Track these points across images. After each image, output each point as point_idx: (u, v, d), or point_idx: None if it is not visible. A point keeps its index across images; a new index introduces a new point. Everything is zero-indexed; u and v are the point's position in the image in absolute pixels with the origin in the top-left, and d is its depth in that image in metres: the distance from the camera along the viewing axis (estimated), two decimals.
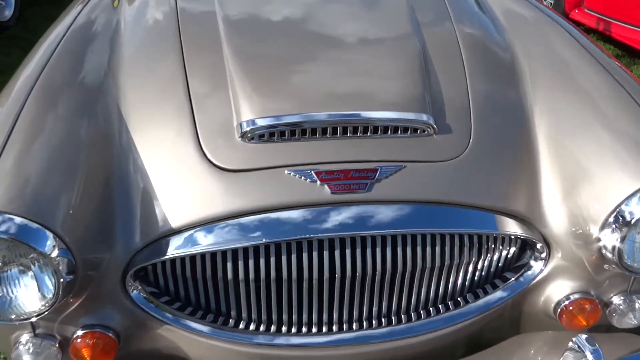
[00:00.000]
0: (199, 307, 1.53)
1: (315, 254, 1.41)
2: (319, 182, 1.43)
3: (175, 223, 1.43)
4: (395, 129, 1.52)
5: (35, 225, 1.26)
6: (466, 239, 1.49)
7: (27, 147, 1.41)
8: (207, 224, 1.43)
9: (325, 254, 1.41)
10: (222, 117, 1.54)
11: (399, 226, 1.43)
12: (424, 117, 1.53)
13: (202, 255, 1.43)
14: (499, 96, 1.73)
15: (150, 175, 1.48)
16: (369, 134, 1.51)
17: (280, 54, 1.75)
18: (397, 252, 1.44)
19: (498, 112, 1.68)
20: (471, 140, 1.57)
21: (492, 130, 1.62)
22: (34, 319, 1.32)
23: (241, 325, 1.50)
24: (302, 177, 1.44)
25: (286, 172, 1.45)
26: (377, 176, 1.45)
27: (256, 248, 1.41)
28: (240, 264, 1.42)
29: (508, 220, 1.52)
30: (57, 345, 1.42)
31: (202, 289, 1.50)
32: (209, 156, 1.48)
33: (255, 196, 1.43)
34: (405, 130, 1.53)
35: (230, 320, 1.52)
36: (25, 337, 1.40)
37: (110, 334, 1.44)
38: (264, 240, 1.39)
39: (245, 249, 1.41)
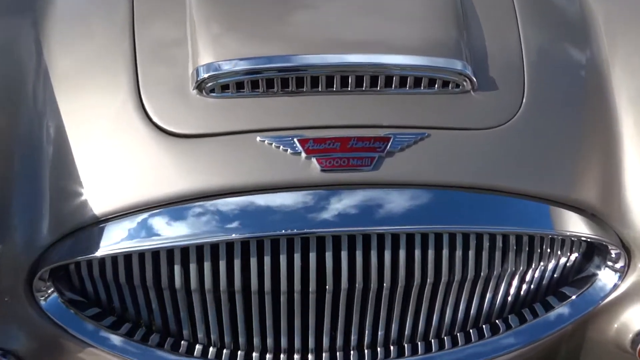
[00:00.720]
0: (139, 325, 1.12)
1: (297, 257, 0.99)
2: (303, 155, 0.99)
3: (100, 208, 1.01)
4: (417, 81, 1.07)
5: None
6: (511, 240, 1.05)
7: None
8: (145, 209, 1.00)
9: (312, 256, 0.99)
10: (173, 63, 1.10)
11: (417, 221, 0.99)
12: (459, 65, 1.07)
13: (141, 255, 1.01)
14: (562, 50, 1.25)
15: (72, 144, 1.05)
16: (378, 87, 1.06)
17: None
18: (413, 257, 1.01)
19: (560, 70, 1.21)
20: (524, 101, 1.11)
21: (553, 91, 1.16)
22: None
23: (196, 352, 1.09)
24: (281, 147, 1.00)
25: (258, 139, 1.01)
26: (388, 147, 1.00)
27: (214, 246, 0.99)
28: (193, 267, 1.00)
29: (571, 215, 1.07)
30: None
31: (144, 300, 1.08)
32: (151, 115, 1.05)
33: (213, 173, 1.00)
34: (432, 83, 1.07)
35: (182, 343, 1.10)
36: None
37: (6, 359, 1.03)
38: (220, 236, 0.97)
39: (200, 247, 0.99)
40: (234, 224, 0.98)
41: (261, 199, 0.99)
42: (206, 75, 1.02)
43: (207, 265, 1.01)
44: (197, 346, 1.10)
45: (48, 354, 1.08)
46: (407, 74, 1.05)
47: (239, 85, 1.04)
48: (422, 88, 1.07)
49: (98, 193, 1.02)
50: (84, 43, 1.17)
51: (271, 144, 1.00)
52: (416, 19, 1.17)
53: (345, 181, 0.99)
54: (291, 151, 1.00)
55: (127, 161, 1.03)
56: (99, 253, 1.00)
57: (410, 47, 1.09)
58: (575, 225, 1.07)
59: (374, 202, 0.99)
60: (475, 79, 1.08)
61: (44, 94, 1.10)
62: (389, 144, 1.01)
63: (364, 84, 1.05)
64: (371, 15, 1.19)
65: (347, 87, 1.05)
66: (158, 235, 1.00)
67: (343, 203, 0.98)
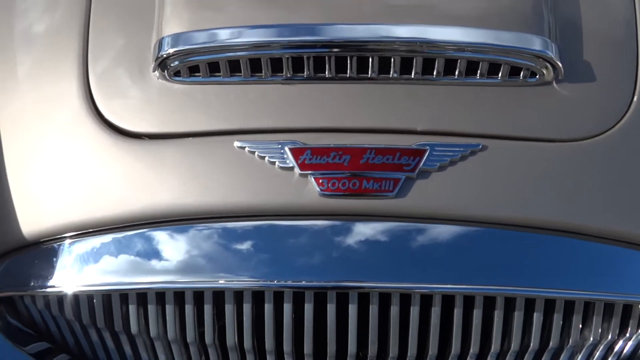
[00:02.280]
0: None
1: (287, 308, 0.70)
2: (297, 171, 0.69)
3: (33, 228, 0.76)
4: (471, 67, 0.73)
5: None
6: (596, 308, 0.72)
7: None
8: (84, 234, 0.75)
9: (308, 309, 0.70)
10: (133, 36, 0.80)
11: (460, 278, 0.68)
12: (538, 43, 0.72)
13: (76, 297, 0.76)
14: None
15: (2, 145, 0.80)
16: (413, 74, 0.73)
17: None
18: (451, 319, 0.69)
19: None
20: (634, 102, 0.75)
21: None
22: None
23: None
24: (266, 158, 0.70)
25: (237, 144, 0.71)
26: (421, 165, 0.68)
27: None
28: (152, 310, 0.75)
29: None
30: None
31: (97, 339, 0.84)
32: (99, 105, 0.77)
33: (171, 189, 0.72)
34: (494, 69, 0.73)
35: None
36: None
37: None
38: (178, 284, 0.70)
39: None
40: (196, 265, 0.70)
41: (235, 232, 0.70)
42: (170, 51, 0.73)
43: (168, 309, 0.74)
44: None
45: None
46: (457, 55, 0.71)
47: (212, 66, 0.74)
48: (478, 77, 0.73)
49: (31, 208, 0.77)
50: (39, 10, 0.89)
51: (253, 152, 0.70)
52: None
53: (354, 211, 0.68)
54: (280, 164, 0.69)
55: (66, 168, 0.76)
56: (34, 289, 0.76)
57: (461, 15, 0.74)
58: None
59: (395, 246, 0.68)
60: (561, 65, 0.72)
61: None
62: (423, 159, 0.68)
63: (392, 69, 0.72)
64: None
65: (367, 73, 0.73)
66: (107, 272, 0.74)
67: (346, 246, 0.67)
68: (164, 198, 0.72)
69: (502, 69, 0.72)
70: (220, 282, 0.69)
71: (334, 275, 0.67)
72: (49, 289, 0.76)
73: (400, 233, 0.68)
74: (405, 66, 0.72)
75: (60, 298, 0.78)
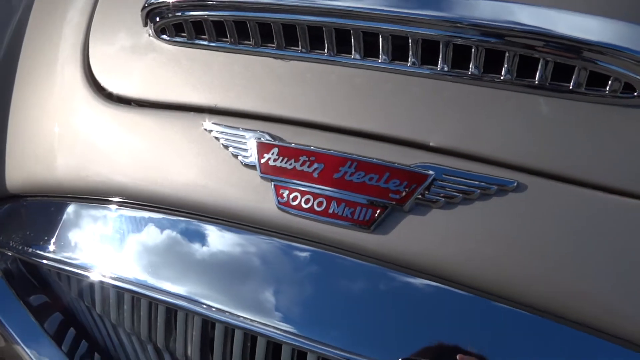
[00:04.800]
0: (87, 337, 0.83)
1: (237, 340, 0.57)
2: (258, 171, 0.53)
3: (12, 182, 0.72)
4: (528, 65, 0.49)
5: None
6: None
7: None
8: (59, 197, 0.68)
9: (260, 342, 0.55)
10: None
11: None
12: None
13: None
14: None
15: (14, 84, 0.76)
16: (441, 65, 0.51)
17: None
18: None
19: None
20: None
21: None
22: None
23: None
24: (230, 148, 0.55)
25: (205, 124, 0.57)
26: (417, 193, 0.48)
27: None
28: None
29: None
30: None
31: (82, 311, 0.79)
32: (93, 64, 0.68)
33: (143, 166, 0.61)
34: (564, 73, 0.48)
35: None
36: None
37: None
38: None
39: None
40: (146, 267, 0.59)
41: (184, 232, 0.57)
42: (155, 1, 0.60)
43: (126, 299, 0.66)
44: None
45: None
46: (505, 47, 0.48)
47: (200, 28, 0.60)
48: (537, 80, 0.49)
49: (22, 161, 0.73)
50: None
51: (218, 138, 0.56)
52: None
53: (314, 237, 0.51)
54: (242, 160, 0.54)
55: (56, 127, 0.70)
56: (18, 251, 0.73)
57: None
58: None
59: (356, 296, 0.49)
60: None
61: (12, 31, 0.82)
62: (423, 186, 0.48)
63: (410, 57, 0.52)
64: None
65: (377, 58, 0.53)
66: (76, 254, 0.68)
67: (293, 279, 0.50)
68: (127, 175, 0.62)
69: (576, 74, 0.47)
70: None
71: (274, 317, 0.51)
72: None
73: (366, 281, 0.49)
74: (429, 53, 0.51)
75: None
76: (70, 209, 0.68)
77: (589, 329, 0.43)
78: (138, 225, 0.62)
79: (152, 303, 0.63)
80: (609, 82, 0.46)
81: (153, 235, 0.61)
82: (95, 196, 0.63)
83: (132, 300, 0.66)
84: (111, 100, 0.66)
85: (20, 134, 0.74)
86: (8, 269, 0.84)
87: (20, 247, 0.73)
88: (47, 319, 0.83)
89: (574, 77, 0.47)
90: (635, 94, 0.46)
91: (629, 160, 0.46)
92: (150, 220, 0.62)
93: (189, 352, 0.64)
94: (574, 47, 0.45)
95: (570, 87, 0.47)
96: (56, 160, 0.70)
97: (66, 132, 0.71)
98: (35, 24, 0.80)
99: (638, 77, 0.45)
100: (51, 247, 0.70)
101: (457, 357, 0.45)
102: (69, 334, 0.83)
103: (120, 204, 0.64)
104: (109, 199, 0.63)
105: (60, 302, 0.84)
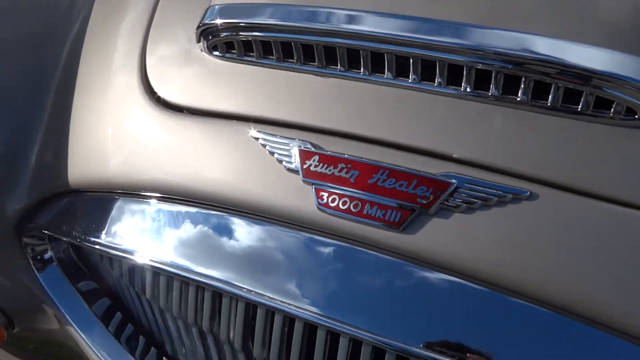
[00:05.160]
0: (132, 321, 0.91)
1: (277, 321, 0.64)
2: (301, 176, 0.61)
3: (75, 177, 0.80)
4: (541, 89, 0.56)
5: None
6: None
7: None
8: (118, 193, 0.77)
9: (298, 327, 0.63)
10: (196, 3, 0.77)
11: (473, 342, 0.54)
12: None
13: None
14: None
15: (75, 87, 0.84)
16: (464, 87, 0.58)
17: None
18: None
19: None
20: None
21: None
22: None
23: None
24: (276, 155, 0.63)
25: (252, 132, 0.65)
26: (441, 199, 0.55)
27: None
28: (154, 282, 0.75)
29: None
30: None
31: (129, 295, 0.87)
32: (150, 73, 0.76)
33: (194, 166, 0.69)
34: (573, 97, 0.55)
35: None
36: None
37: None
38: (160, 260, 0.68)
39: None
40: (196, 256, 0.67)
41: (235, 228, 0.65)
42: (210, 23, 0.68)
43: (175, 287, 0.74)
44: None
45: (38, 320, 0.96)
46: (520, 73, 0.55)
47: (247, 45, 0.68)
48: (550, 102, 0.55)
49: (82, 158, 0.81)
50: None
51: (265, 145, 0.64)
52: None
53: (350, 235, 0.58)
54: (287, 165, 0.62)
55: (112, 130, 0.78)
56: (76, 238, 0.81)
57: (548, 23, 0.56)
58: None
59: (390, 288, 0.56)
60: None
61: (71, 42, 0.89)
62: (447, 193, 0.55)
63: (437, 77, 0.58)
64: None
65: (407, 78, 0.60)
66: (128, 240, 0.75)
67: (334, 275, 0.58)
68: (179, 175, 0.70)
69: (583, 98, 0.53)
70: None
71: (311, 303, 0.58)
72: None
73: (397, 275, 0.56)
74: (455, 76, 0.57)
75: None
76: (125, 203, 0.76)
77: (587, 320, 0.50)
78: (186, 219, 0.70)
79: (199, 289, 0.70)
80: (613, 106, 0.53)
81: (200, 227, 0.69)
82: (146, 192, 0.71)
83: (180, 286, 0.74)
84: (164, 107, 0.74)
85: (79, 134, 0.82)
86: (61, 257, 0.92)
87: (79, 235, 0.81)
88: (95, 303, 0.92)
89: (582, 100, 0.53)
90: (636, 117, 0.52)
91: (629, 175, 0.52)
92: (198, 214, 0.69)
93: (231, 335, 0.71)
94: (582, 75, 0.52)
95: (579, 109, 0.54)
96: (111, 160, 0.78)
97: (120, 134, 0.78)
98: (93, 35, 0.88)
99: (639, 102, 0.51)
100: (105, 236, 0.78)
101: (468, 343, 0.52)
102: (115, 318, 0.92)
103: (171, 200, 0.72)
104: (160, 195, 0.71)
105: (108, 288, 0.92)
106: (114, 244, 0.76)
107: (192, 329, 0.77)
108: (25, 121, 0.84)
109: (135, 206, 0.73)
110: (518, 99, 0.56)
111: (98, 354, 0.89)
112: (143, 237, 0.72)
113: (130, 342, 0.90)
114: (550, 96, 0.55)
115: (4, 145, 0.84)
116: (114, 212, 0.78)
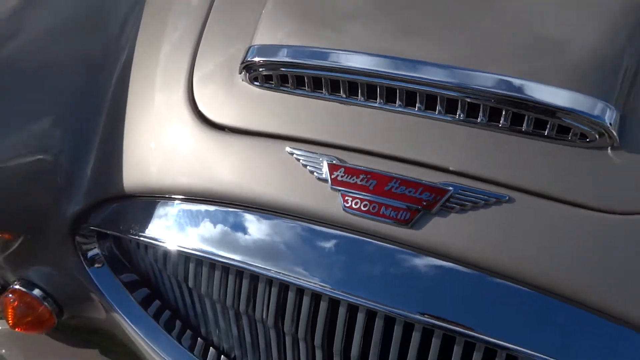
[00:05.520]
0: (169, 307, 1.06)
1: (306, 301, 0.80)
2: (329, 184, 0.76)
3: (128, 184, 0.94)
4: (516, 119, 0.73)
5: None
6: None
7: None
8: (167, 198, 0.91)
9: (323, 306, 0.79)
10: (233, 42, 0.93)
11: (460, 317, 0.70)
12: (597, 110, 0.69)
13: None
14: None
15: (127, 106, 0.99)
16: (458, 116, 0.75)
17: None
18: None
19: None
20: None
21: None
22: None
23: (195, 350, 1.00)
24: (308, 167, 0.79)
25: (288, 149, 0.81)
26: (441, 202, 0.71)
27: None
28: (197, 271, 0.90)
29: None
30: None
31: (169, 284, 1.02)
32: (197, 96, 0.92)
33: (235, 177, 0.85)
34: (540, 125, 0.72)
35: (199, 340, 1.02)
36: None
37: (46, 303, 1.07)
38: (217, 253, 0.83)
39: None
40: (243, 249, 0.82)
41: (275, 226, 0.81)
42: (251, 60, 0.84)
43: (216, 275, 0.89)
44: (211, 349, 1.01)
45: (85, 308, 1.10)
46: (502, 107, 0.72)
47: (283, 78, 0.84)
48: (523, 129, 0.72)
49: (133, 167, 0.95)
50: (166, 17, 1.06)
51: (299, 159, 0.79)
52: (566, 21, 0.78)
53: (370, 231, 0.74)
54: (317, 175, 0.78)
55: (161, 143, 0.93)
56: (130, 234, 0.95)
57: (524, 65, 0.73)
58: None
59: (399, 271, 0.72)
60: (615, 134, 0.69)
61: (129, 42, 1.05)
62: (445, 198, 0.71)
63: (437, 107, 0.75)
64: (497, 15, 0.81)
65: (413, 107, 0.76)
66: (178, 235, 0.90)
67: (355, 260, 0.74)
68: (224, 182, 0.85)
69: (549, 125, 0.70)
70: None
71: (341, 285, 0.74)
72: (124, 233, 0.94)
73: (405, 261, 0.72)
74: (450, 108, 0.74)
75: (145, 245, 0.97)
76: (171, 205, 0.91)
77: (547, 293, 0.66)
78: (230, 218, 0.85)
79: (238, 275, 0.85)
80: (571, 132, 0.70)
81: (242, 225, 0.84)
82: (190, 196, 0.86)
83: (220, 274, 0.88)
84: (208, 124, 0.90)
85: (129, 146, 0.97)
86: (107, 254, 1.07)
87: (130, 231, 0.95)
88: (135, 292, 1.06)
89: (548, 128, 0.71)
90: (588, 140, 0.70)
91: (582, 183, 0.69)
92: (235, 214, 0.84)
93: (264, 315, 0.86)
94: (548, 110, 0.69)
95: (546, 134, 0.71)
96: (161, 169, 0.92)
97: (167, 146, 0.93)
98: (140, 60, 1.02)
99: (589, 129, 0.69)
100: (154, 232, 0.92)
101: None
102: (154, 305, 1.06)
103: (214, 203, 0.87)
104: (203, 198, 0.86)
105: (147, 280, 1.07)
106: (161, 239, 0.90)
107: (230, 312, 0.92)
108: (82, 136, 0.99)
109: (187, 206, 0.88)
110: (500, 125, 0.72)
111: (141, 335, 1.03)
112: (195, 234, 0.87)
113: (168, 325, 1.04)
114: (524, 124, 0.71)
115: (64, 158, 0.98)
116: (162, 212, 0.92)
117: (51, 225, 1.00)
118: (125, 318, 1.05)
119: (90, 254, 1.05)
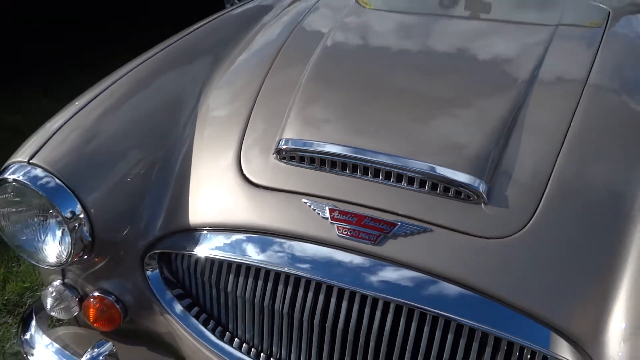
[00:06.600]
0: (205, 311, 1.54)
1: (301, 292, 1.32)
2: (329, 221, 1.32)
3: (193, 220, 1.46)
4: (434, 186, 1.32)
5: (68, 191, 1.39)
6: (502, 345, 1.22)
7: (106, 112, 1.59)
8: (221, 230, 1.43)
9: (314, 297, 1.31)
10: (270, 130, 1.53)
11: (401, 294, 1.24)
12: (474, 183, 1.30)
13: (212, 261, 1.43)
14: (599, 179, 1.38)
15: (191, 171, 1.53)
16: (403, 183, 1.34)
17: (355, 88, 1.67)
18: (399, 324, 1.25)
19: (586, 198, 1.35)
20: (533, 219, 1.28)
21: (569, 216, 1.30)
22: (56, 267, 1.47)
23: (233, 344, 1.47)
24: (316, 210, 1.34)
25: (303, 200, 1.36)
26: (393, 231, 1.28)
27: (257, 268, 1.37)
28: (236, 279, 1.40)
29: (563, 343, 1.20)
30: (77, 298, 1.56)
31: (209, 293, 1.50)
32: (243, 166, 1.48)
33: (269, 216, 1.38)
34: (446, 190, 1.32)
35: (227, 333, 1.50)
36: (56, 282, 1.57)
37: (118, 306, 1.53)
38: (251, 260, 1.35)
39: (248, 267, 1.38)
40: (263, 255, 1.34)
41: (297, 246, 1.34)
42: (282, 147, 1.42)
43: (249, 281, 1.39)
44: (244, 345, 1.48)
45: (142, 310, 1.56)
46: (427, 178, 1.32)
47: (302, 158, 1.42)
48: (437, 191, 1.32)
49: (195, 210, 1.47)
50: (223, 104, 1.66)
51: (310, 206, 1.35)
52: (458, 134, 1.44)
53: (353, 247, 1.29)
54: (322, 215, 1.33)
55: (220, 193, 1.47)
56: (191, 251, 1.45)
57: (438, 156, 1.35)
58: (562, 350, 1.19)
59: (368, 269, 1.27)
60: (485, 196, 1.29)
61: (190, 129, 1.61)
62: (395, 228, 1.28)
63: (391, 178, 1.35)
64: (421, 124, 1.51)
65: (378, 177, 1.35)
66: (214, 249, 1.42)
67: (347, 264, 1.28)
68: (264, 220, 1.38)
69: (451, 190, 1.31)
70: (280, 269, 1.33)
71: (340, 277, 1.27)
72: (188, 252, 1.45)
73: (371, 263, 1.27)
74: (399, 178, 1.34)
75: (195, 259, 1.46)
76: (221, 234, 1.42)
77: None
78: (259, 240, 1.37)
79: (271, 280, 1.36)
80: (462, 194, 1.30)
81: (267, 243, 1.36)
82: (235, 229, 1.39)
83: (254, 278, 1.39)
84: (249, 183, 1.44)
85: (191, 196, 1.49)
86: (163, 273, 1.55)
87: (188, 251, 1.45)
88: (181, 301, 1.54)
89: (450, 190, 1.31)
90: (470, 198, 1.30)
91: (467, 220, 1.28)
92: (265, 238, 1.37)
93: (278, 307, 1.37)
94: (447, 179, 1.29)
95: (450, 195, 1.31)
96: (217, 211, 1.45)
97: (221, 196, 1.46)
98: (200, 138, 1.58)
99: (471, 192, 1.29)
100: (207, 251, 1.43)
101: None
102: (194, 310, 1.54)
103: (247, 232, 1.39)
104: (239, 229, 1.39)
105: (189, 292, 1.55)
106: (215, 255, 1.41)
107: (256, 307, 1.41)
108: (158, 193, 1.51)
109: (234, 236, 1.40)
110: (424, 190, 1.32)
111: (186, 329, 1.50)
112: (237, 249, 1.39)
113: (205, 324, 1.52)
114: (438, 189, 1.32)
115: (145, 208, 1.50)
116: (214, 238, 1.44)
117: (130, 251, 1.49)
118: (175, 318, 1.51)
119: (151, 271, 1.53)
